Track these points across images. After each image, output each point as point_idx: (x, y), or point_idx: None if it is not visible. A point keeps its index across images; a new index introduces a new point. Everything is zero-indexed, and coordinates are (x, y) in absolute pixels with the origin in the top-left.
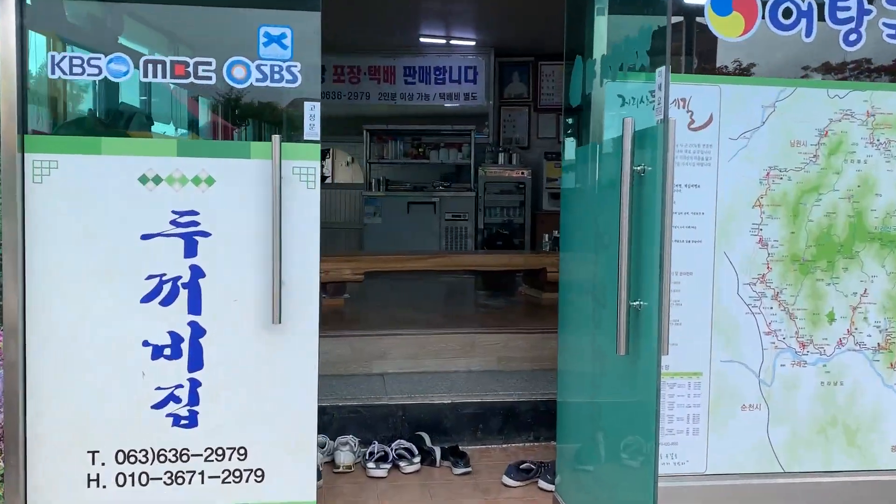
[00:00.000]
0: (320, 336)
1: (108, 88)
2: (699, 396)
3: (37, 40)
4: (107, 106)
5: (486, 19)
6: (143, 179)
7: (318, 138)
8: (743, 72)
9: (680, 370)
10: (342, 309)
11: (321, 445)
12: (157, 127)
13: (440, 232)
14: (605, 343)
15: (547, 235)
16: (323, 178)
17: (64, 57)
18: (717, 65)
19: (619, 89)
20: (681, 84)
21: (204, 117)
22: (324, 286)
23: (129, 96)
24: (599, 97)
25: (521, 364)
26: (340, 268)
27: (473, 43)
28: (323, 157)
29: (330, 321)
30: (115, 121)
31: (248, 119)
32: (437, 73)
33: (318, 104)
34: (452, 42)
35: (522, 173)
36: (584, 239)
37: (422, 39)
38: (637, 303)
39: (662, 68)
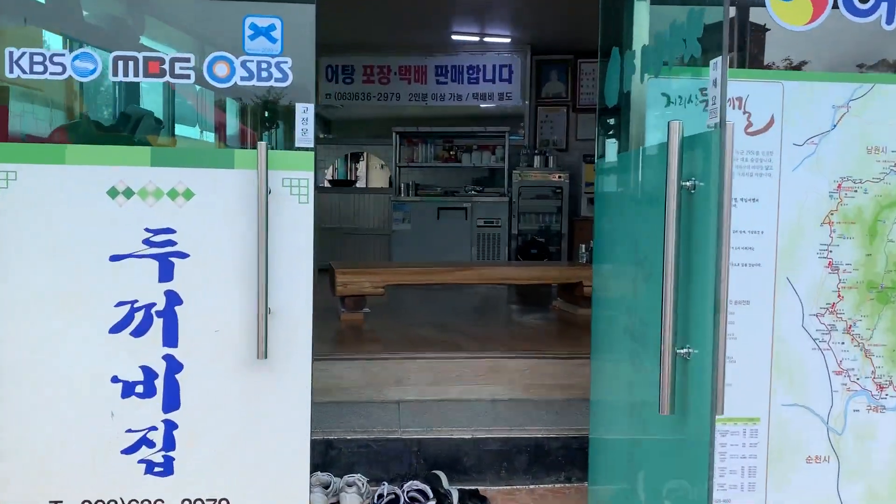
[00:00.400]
0: (333, 359)
1: (128, 91)
2: (756, 446)
3: (51, 41)
4: (115, 109)
5: (522, 15)
6: (113, 193)
7: (312, 145)
8: (800, 67)
9: (734, 415)
10: (360, 326)
11: (326, 485)
12: (183, 131)
13: (472, 239)
14: (644, 389)
15: (584, 246)
16: (353, 181)
17: (23, 53)
18: (777, 59)
19: (663, 86)
20: (736, 81)
21: (232, 125)
22: (342, 300)
23: (153, 99)
24: (640, 96)
25: (552, 392)
26: (359, 281)
27: (509, 40)
28: (356, 160)
29: (346, 340)
30: (120, 125)
31: (276, 122)
32: (471, 72)
33: (311, 106)
34: (487, 39)
35: (559, 177)
36: (621, 256)
37: (454, 37)
38: (685, 350)
39: (717, 60)
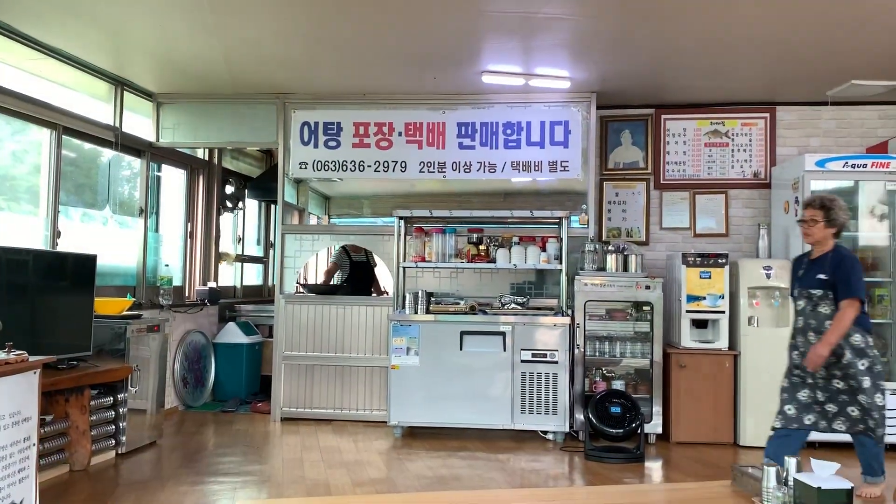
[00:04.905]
0: None
1: None
2: None
3: None
4: None
5: (584, 47)
6: None
7: None
8: None
9: None
10: None
11: None
12: None
13: (512, 382)
14: None
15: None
16: (331, 288)
17: None
18: None
19: None
20: None
21: None
22: None
23: None
24: None
25: None
26: None
27: (568, 84)
28: (353, 257)
29: None
30: None
31: None
32: (509, 131)
33: None
34: (534, 82)
35: (647, 287)
36: None
37: (486, 78)
38: None
39: None
